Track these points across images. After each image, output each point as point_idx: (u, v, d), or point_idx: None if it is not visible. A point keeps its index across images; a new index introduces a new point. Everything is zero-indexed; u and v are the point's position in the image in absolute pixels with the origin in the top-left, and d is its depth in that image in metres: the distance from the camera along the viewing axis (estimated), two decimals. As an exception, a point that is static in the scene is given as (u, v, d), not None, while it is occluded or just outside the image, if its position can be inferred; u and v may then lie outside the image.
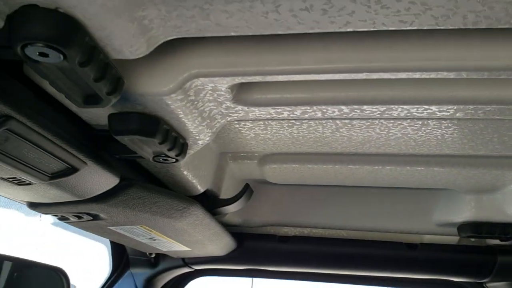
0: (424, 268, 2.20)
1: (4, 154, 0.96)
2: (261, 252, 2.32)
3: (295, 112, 1.21)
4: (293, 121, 1.34)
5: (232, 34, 0.84)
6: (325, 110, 1.19)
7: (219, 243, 2.09)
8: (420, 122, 1.30)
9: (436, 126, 1.32)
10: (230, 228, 2.15)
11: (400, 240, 2.22)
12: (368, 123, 1.33)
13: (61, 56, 0.73)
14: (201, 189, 1.61)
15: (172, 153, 1.18)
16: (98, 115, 1.10)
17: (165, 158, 1.22)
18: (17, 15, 0.71)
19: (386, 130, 1.37)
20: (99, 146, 1.20)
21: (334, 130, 1.39)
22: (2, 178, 1.10)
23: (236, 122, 1.37)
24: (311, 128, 1.39)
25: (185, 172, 1.45)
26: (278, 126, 1.38)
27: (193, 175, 1.49)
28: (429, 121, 1.29)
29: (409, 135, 1.39)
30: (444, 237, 2.16)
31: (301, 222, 2.17)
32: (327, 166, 1.68)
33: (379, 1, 0.73)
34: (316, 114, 1.22)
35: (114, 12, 0.73)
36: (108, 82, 0.84)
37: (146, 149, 1.18)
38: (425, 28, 0.80)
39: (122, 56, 0.84)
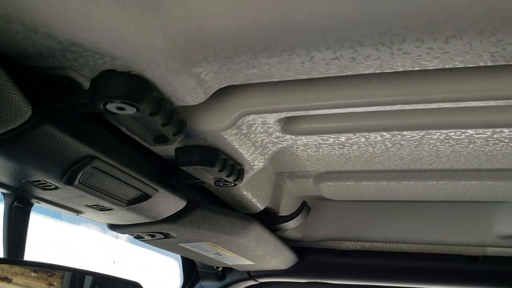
0: (487, 281, 2.17)
1: (89, 186, 1.14)
2: (323, 265, 2.38)
3: (340, 139, 1.30)
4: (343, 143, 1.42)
5: (275, 79, 0.96)
6: (367, 136, 1.27)
7: (280, 258, 2.18)
8: (467, 140, 1.33)
9: (483, 143, 1.35)
10: (291, 243, 2.24)
11: (460, 252, 2.20)
12: (417, 143, 1.38)
13: (135, 109, 0.89)
14: (260, 207, 1.73)
15: (230, 179, 1.32)
16: (166, 149, 1.26)
17: (225, 182, 1.36)
18: (99, 78, 0.88)
19: (435, 149, 1.41)
20: (168, 174, 1.36)
21: (384, 150, 1.45)
22: (87, 205, 1.30)
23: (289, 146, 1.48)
24: (361, 149, 1.46)
25: (244, 193, 1.57)
26: (329, 148, 1.47)
27: (252, 194, 1.62)
28: (475, 139, 1.32)
29: (458, 152, 1.42)
30: (508, 250, 2.13)
31: (361, 236, 2.21)
32: (381, 183, 1.73)
33: (400, 48, 0.82)
34: (360, 139, 1.30)
35: (177, 71, 0.87)
36: (173, 125, 0.99)
37: (208, 176, 1.32)
38: (447, 67, 0.87)
39: (184, 104, 0.99)
